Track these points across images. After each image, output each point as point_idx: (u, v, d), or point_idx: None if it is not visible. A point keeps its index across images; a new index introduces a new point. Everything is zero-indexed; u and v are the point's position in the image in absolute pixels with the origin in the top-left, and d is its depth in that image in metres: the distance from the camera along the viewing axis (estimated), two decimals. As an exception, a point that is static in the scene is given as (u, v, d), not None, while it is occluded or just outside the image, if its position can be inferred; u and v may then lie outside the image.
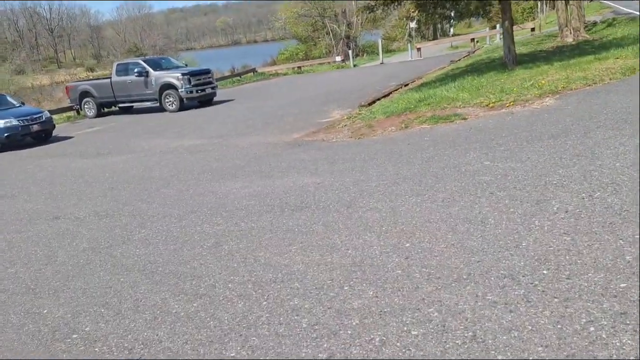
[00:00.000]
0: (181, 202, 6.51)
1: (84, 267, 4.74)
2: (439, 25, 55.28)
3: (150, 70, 18.20)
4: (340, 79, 22.29)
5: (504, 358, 2.44)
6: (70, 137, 15.28)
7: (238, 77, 29.24)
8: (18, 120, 14.12)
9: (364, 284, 3.38)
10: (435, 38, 45.71)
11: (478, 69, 14.69)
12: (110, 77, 19.45)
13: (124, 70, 18.96)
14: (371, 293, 3.25)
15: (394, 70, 22.62)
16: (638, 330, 2.50)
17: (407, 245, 3.89)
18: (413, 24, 37.29)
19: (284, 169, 7.56)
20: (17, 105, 15.55)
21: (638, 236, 3.40)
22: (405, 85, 15.69)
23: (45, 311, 3.89)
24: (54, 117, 21.20)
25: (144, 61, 18.71)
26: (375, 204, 5.03)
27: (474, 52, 24.94)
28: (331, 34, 38.71)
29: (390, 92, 14.51)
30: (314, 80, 23.33)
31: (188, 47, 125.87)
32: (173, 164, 9.27)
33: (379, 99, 13.59)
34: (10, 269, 5.01)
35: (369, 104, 12.90)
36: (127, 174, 9.00)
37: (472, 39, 27.79)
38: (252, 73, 30.43)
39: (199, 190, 7.04)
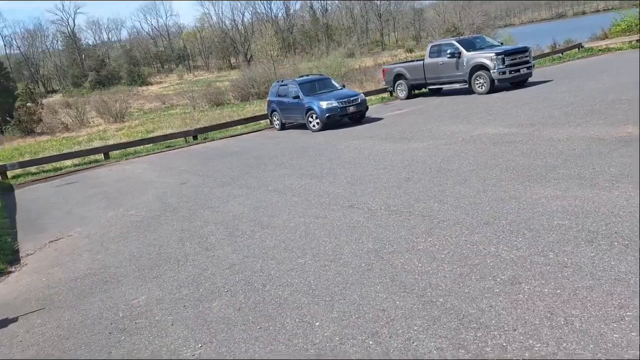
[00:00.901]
0: (476, 207, 5.65)
1: (364, 273, 4.42)
2: None
3: (463, 50, 17.46)
4: None
5: None
6: (380, 119, 15.95)
7: (559, 54, 25.92)
8: (338, 102, 15.42)
9: None
10: None
11: None
12: (423, 59, 19.55)
13: (437, 51, 18.75)
14: None
15: None
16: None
17: None
18: None
19: (614, 176, 5.84)
20: (339, 87, 17.05)
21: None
22: None
23: (317, 324, 3.66)
24: (371, 97, 22.86)
25: (458, 42, 18.07)
26: None
27: None
28: (693, -5, 30.52)
29: None
30: (663, 55, 18.68)
31: (507, 23, 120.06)
32: (473, 156, 8.41)
33: None
34: (300, 259, 5.09)
35: None
36: (425, 164, 8.57)
37: None
38: (576, 49, 26.56)
39: (499, 193, 6.02)
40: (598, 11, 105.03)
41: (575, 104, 11.56)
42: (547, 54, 26.56)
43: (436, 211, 5.81)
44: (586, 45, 27.00)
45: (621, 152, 6.96)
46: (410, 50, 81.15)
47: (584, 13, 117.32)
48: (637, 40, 24.84)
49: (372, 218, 6.02)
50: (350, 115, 15.83)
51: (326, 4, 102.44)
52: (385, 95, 22.25)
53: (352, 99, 15.73)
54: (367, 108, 16.37)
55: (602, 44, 27.16)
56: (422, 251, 4.64)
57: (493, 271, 3.91)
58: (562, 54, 25.88)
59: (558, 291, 3.40)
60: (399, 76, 20.55)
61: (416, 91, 20.82)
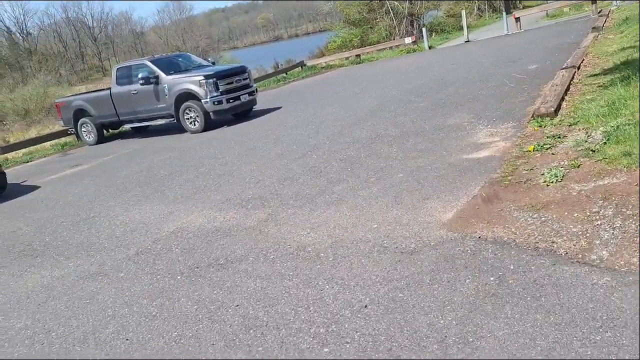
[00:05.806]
0: None
1: None
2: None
3: (161, 74, 12.39)
4: (426, 66, 15.76)
5: None
6: (35, 188, 9.71)
7: (284, 74, 23.22)
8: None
9: None
10: (507, 11, 37.71)
11: None
12: (110, 88, 13.81)
13: (126, 76, 13.28)
14: None
15: (498, 48, 15.88)
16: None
17: None
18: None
19: None
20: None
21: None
22: (578, 69, 9.09)
23: None
24: (46, 145, 15.97)
25: (152, 62, 12.87)
26: None
27: (607, 14, 18.02)
28: (392, 13, 32.00)
29: (569, 85, 7.96)
30: (387, 71, 16.90)
31: (231, 46, 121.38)
32: (145, 327, 3.24)
33: (562, 99, 7.13)
34: None
35: (555, 111, 6.49)
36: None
37: (594, 0, 20.58)
38: (299, 68, 24.31)
39: None
40: (308, 34, 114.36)
41: (321, 148, 7.53)
42: (271, 74, 23.68)
43: None
44: (308, 63, 25.03)
45: (493, 315, 2.65)
46: (134, 75, 73.19)
47: (297, 35, 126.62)
48: None
49: None
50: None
51: (27, 27, 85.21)
52: (70, 139, 15.71)
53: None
54: (2, 176, 9.77)
55: (322, 61, 25.67)
56: None
57: None
58: (287, 73, 23.25)
59: None
60: (80, 112, 14.39)
61: (112, 131, 15.03)
